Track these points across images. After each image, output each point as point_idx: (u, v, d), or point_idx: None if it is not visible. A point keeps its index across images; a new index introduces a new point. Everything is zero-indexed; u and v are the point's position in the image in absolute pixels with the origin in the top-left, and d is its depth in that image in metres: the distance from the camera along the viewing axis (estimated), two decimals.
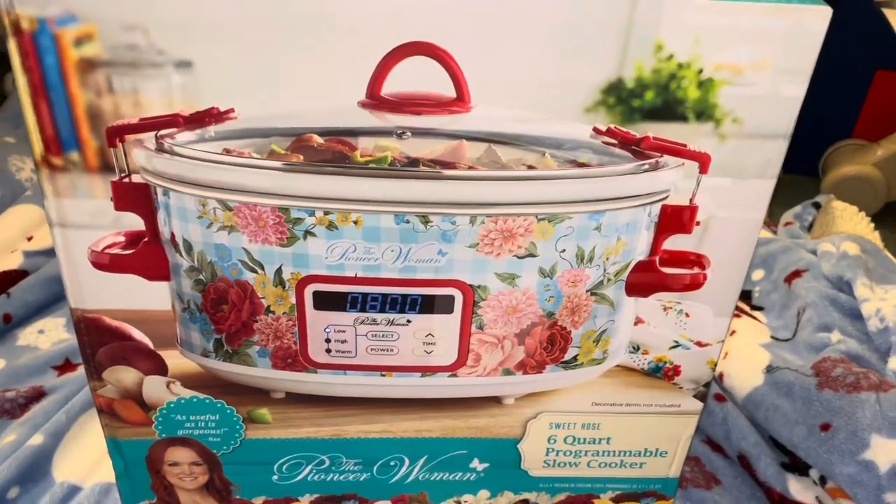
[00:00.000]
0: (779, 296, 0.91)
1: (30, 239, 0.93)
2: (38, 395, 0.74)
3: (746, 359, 0.77)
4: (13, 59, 0.41)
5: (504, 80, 0.44)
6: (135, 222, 0.48)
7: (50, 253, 0.91)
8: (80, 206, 0.45)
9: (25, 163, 1.07)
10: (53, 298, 0.87)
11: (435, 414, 0.54)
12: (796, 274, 0.89)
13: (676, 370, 0.56)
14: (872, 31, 1.14)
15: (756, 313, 0.91)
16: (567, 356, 0.52)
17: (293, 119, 0.46)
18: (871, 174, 1.19)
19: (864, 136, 1.27)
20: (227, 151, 0.46)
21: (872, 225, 1.00)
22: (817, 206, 1.11)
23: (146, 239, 0.49)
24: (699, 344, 0.55)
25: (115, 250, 0.48)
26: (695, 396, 0.56)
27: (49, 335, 0.81)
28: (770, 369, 0.75)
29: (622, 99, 0.44)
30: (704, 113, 0.45)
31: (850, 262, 0.85)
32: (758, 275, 0.95)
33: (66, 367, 0.77)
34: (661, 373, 0.56)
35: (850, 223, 0.99)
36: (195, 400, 0.52)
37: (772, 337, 0.84)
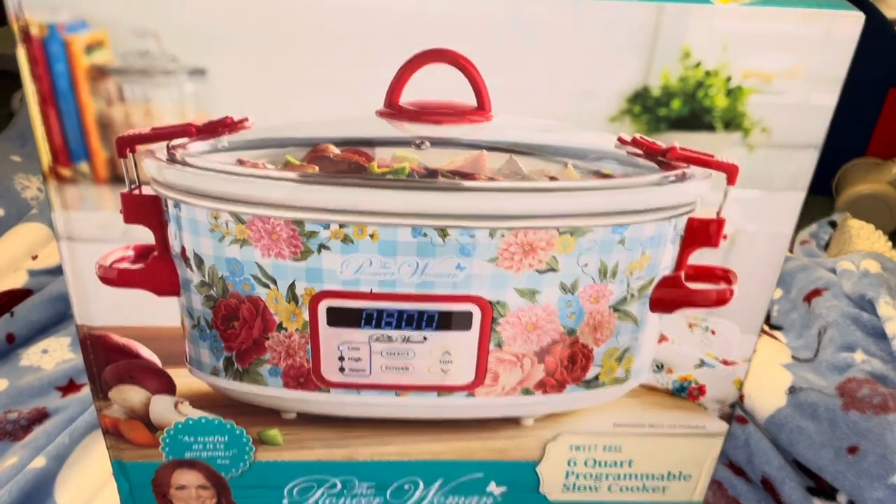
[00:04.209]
0: (798, 315, 0.89)
1: (35, 258, 0.92)
2: (41, 416, 0.72)
3: (768, 379, 0.75)
4: (21, 66, 0.40)
5: (526, 89, 0.43)
6: (144, 236, 0.47)
7: (55, 272, 0.90)
8: (89, 218, 0.45)
9: (31, 181, 1.06)
10: (58, 318, 0.85)
11: (451, 435, 0.53)
12: (816, 293, 0.88)
13: (701, 390, 0.55)
14: (886, 48, 1.13)
15: (775, 333, 0.88)
16: (588, 375, 0.51)
17: (309, 129, 0.45)
18: (885, 192, 1.17)
19: (878, 153, 1.26)
20: (241, 162, 0.45)
21: (890, 244, 0.98)
22: (833, 224, 1.10)
23: (156, 253, 0.48)
24: (725, 362, 0.53)
25: (124, 265, 0.47)
26: (720, 417, 0.55)
27: (53, 355, 0.80)
28: (793, 390, 0.72)
29: (648, 108, 0.43)
30: (732, 122, 0.44)
31: (871, 281, 0.83)
32: (776, 293, 0.93)
33: (69, 387, 0.76)
34: (686, 393, 0.55)
35: (868, 241, 0.98)
36: (204, 421, 0.51)
37: (793, 357, 0.82)
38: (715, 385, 0.54)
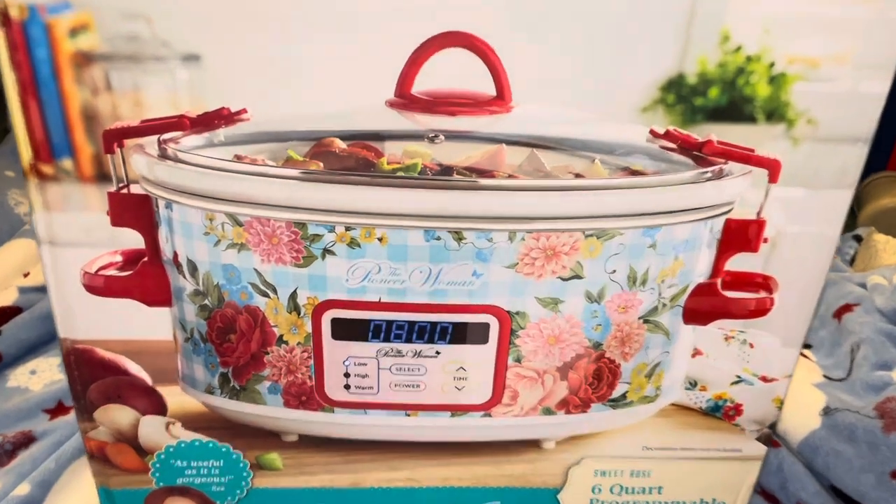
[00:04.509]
0: (828, 332, 0.85)
1: (26, 275, 0.90)
2: (27, 440, 0.68)
3: (800, 400, 0.70)
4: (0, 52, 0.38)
5: (550, 77, 0.41)
6: (133, 240, 0.46)
7: (46, 289, 0.86)
8: (73, 220, 0.43)
9: (25, 198, 1.04)
10: (48, 336, 0.82)
11: (465, 460, 0.51)
12: (846, 308, 0.84)
13: (738, 409, 0.52)
14: None
15: (805, 351, 0.84)
16: (615, 393, 0.49)
17: (312, 121, 0.44)
18: None
19: None
20: (239, 158, 0.43)
21: None
22: (858, 238, 1.06)
23: (146, 259, 0.47)
24: (764, 379, 0.52)
25: (111, 272, 0.46)
26: (758, 439, 0.53)
27: (41, 376, 0.76)
28: (827, 411, 0.68)
29: (683, 97, 0.41)
30: (775, 112, 0.42)
31: None
32: None
33: (58, 410, 0.72)
34: (721, 412, 0.53)
35: (895, 256, 0.94)
36: (197, 443, 0.49)
37: (824, 376, 0.78)
38: (753, 404, 0.52)
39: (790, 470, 0.66)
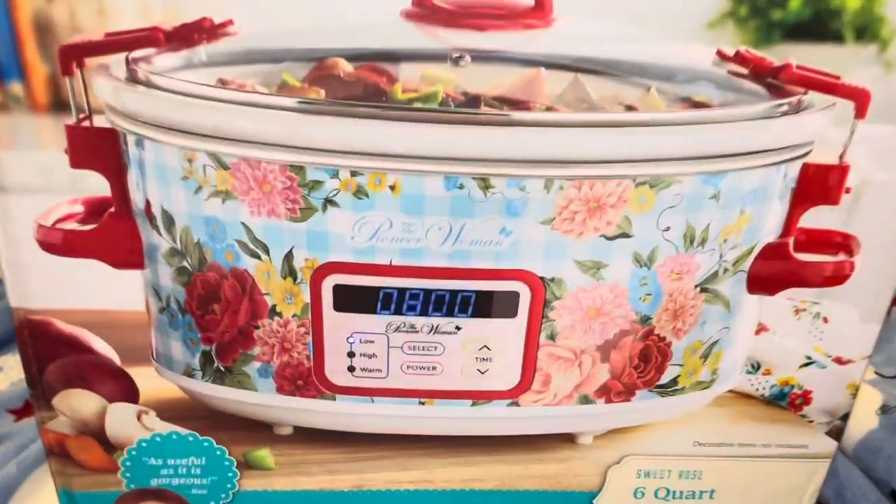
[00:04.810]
0: None
1: None
2: None
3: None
4: None
5: None
6: (97, 185, 0.44)
7: None
8: (23, 160, 0.41)
9: None
10: None
11: (488, 457, 0.49)
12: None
13: (806, 397, 0.50)
14: None
15: None
16: (665, 378, 0.46)
17: (312, 37, 0.42)
18: None
19: None
20: (223, 83, 0.41)
21: None
22: None
23: (112, 209, 0.44)
24: (838, 361, 0.49)
25: (71, 225, 0.44)
26: (827, 433, 0.51)
27: (8, 373, 0.73)
28: (885, 409, 0.67)
29: (758, 9, 0.39)
30: (867, 30, 0.40)
31: None
32: None
33: (25, 410, 0.70)
34: (787, 400, 0.51)
35: None
36: (175, 437, 0.47)
37: (875, 373, 0.76)
38: (824, 390, 0.50)
39: (847, 476, 0.64)
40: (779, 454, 0.50)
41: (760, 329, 0.49)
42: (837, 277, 0.44)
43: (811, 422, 0.51)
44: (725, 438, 0.50)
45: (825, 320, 0.48)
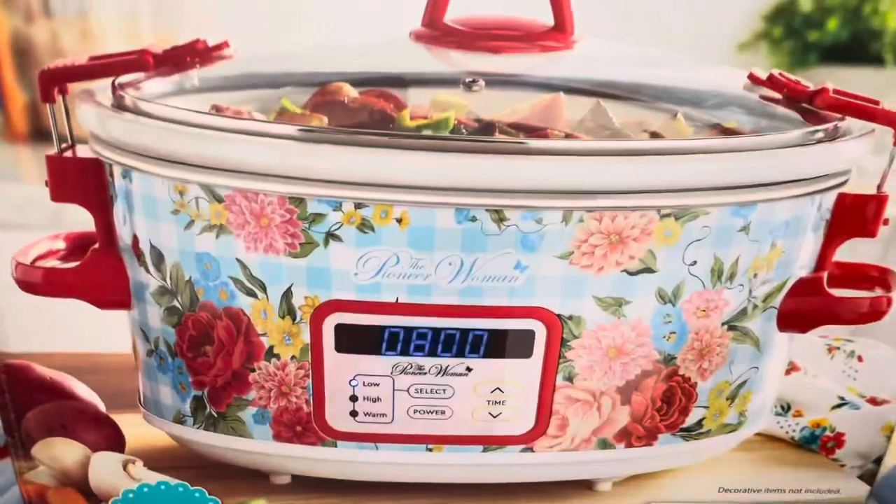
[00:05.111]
0: None
1: None
2: None
3: None
4: None
5: (623, 3, 0.37)
6: (81, 220, 0.44)
7: None
8: (1, 193, 0.40)
9: None
10: None
11: None
12: None
13: (839, 440, 0.49)
14: None
15: None
16: (689, 421, 0.45)
17: (314, 60, 0.42)
18: None
19: None
20: (217, 110, 0.40)
21: None
22: None
23: (96, 246, 0.44)
24: (873, 401, 0.49)
25: (52, 262, 0.44)
26: (860, 477, 0.50)
27: None
28: None
29: (793, 30, 0.37)
30: None
31: None
32: None
33: (3, 450, 0.65)
34: (818, 443, 0.50)
35: None
36: (164, 487, 0.45)
37: None
38: (857, 433, 0.49)
39: None
40: (808, 500, 0.48)
41: (791, 368, 0.49)
42: (874, 314, 0.44)
43: (843, 465, 0.50)
44: (752, 484, 0.49)
45: (859, 359, 0.48)
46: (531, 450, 0.45)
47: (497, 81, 0.42)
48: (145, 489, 0.45)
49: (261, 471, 0.47)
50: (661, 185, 0.39)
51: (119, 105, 0.41)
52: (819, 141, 0.41)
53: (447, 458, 0.45)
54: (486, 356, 0.42)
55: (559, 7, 0.39)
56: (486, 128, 0.41)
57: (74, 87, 0.40)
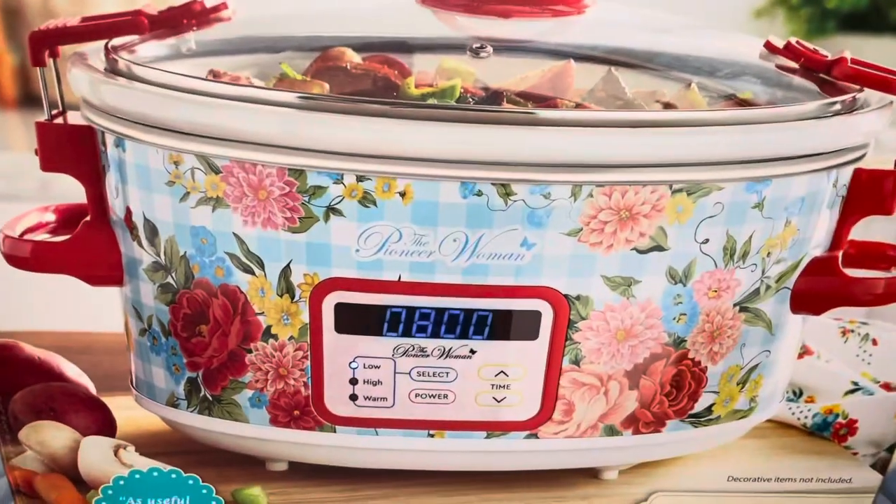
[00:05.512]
0: None
1: None
2: None
3: None
4: None
5: None
6: (71, 191, 0.43)
7: None
8: None
9: None
10: None
11: (504, 495, 0.47)
12: None
13: (851, 427, 0.49)
14: None
15: None
16: (698, 406, 0.45)
17: (315, 24, 0.41)
18: None
19: None
20: (215, 75, 0.40)
21: None
22: None
23: (88, 218, 0.43)
24: (887, 387, 0.48)
25: (41, 236, 0.44)
26: (872, 466, 0.50)
27: None
28: None
29: None
30: None
31: None
32: None
33: None
34: (830, 430, 0.49)
35: None
36: (156, 474, 0.45)
37: None
38: (870, 419, 0.48)
39: None
40: (819, 489, 0.48)
41: (804, 352, 0.48)
42: (890, 295, 0.43)
43: (855, 453, 0.50)
44: (762, 473, 0.48)
45: (874, 342, 0.47)
46: (536, 436, 0.44)
47: (505, 48, 0.42)
48: (136, 475, 0.45)
49: (257, 457, 0.47)
50: (673, 158, 0.39)
51: (112, 69, 0.40)
52: (836, 113, 0.41)
53: (449, 445, 0.45)
54: (490, 338, 0.42)
55: None
56: (494, 97, 0.40)
57: (66, 51, 0.40)
